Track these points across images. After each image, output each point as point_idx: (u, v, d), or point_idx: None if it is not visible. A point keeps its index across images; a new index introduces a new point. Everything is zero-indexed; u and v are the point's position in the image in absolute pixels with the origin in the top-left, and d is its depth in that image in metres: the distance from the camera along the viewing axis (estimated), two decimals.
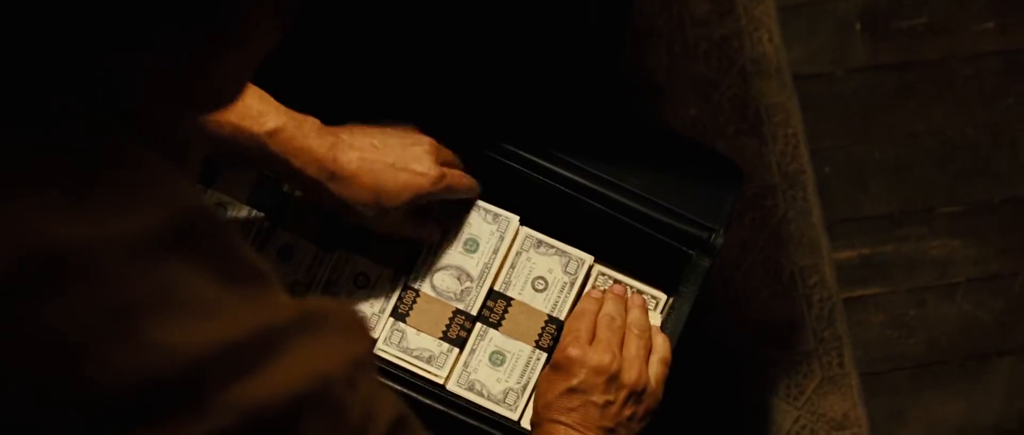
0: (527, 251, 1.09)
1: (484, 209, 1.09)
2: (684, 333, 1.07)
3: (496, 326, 1.06)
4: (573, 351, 0.99)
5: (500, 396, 1.04)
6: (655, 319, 1.07)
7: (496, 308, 1.07)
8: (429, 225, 1.06)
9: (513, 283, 1.08)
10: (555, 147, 1.11)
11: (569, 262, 1.09)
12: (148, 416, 0.52)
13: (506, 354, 1.06)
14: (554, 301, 1.07)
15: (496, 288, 1.07)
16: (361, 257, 1.08)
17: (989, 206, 1.65)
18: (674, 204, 1.11)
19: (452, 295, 1.07)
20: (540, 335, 1.06)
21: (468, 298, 1.06)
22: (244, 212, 1.08)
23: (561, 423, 0.96)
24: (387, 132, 1.02)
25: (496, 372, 1.05)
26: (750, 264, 1.59)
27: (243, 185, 1.08)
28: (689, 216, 1.10)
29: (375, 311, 1.06)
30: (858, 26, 1.71)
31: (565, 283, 1.08)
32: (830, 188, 1.65)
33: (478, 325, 1.06)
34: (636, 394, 0.98)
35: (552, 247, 1.09)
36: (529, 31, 1.19)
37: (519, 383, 1.05)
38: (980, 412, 1.59)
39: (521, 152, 1.10)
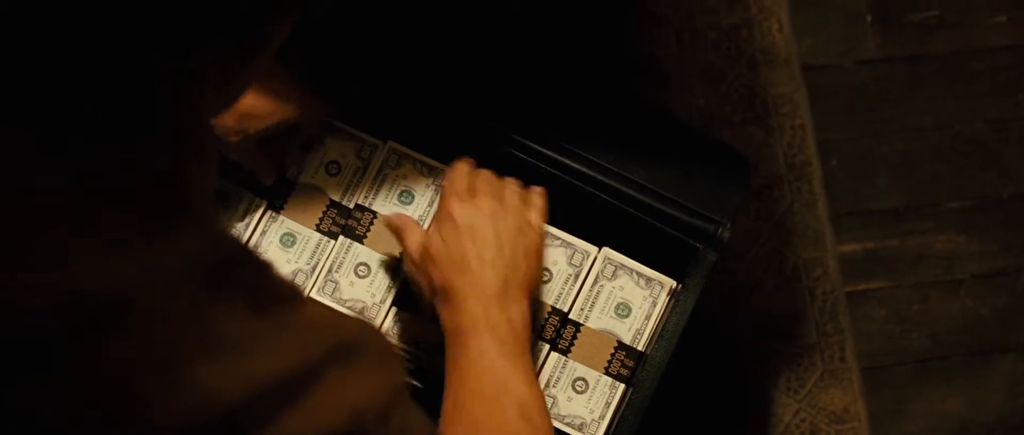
0: None
1: None
2: (687, 323, 1.07)
3: None
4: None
5: None
6: (661, 305, 1.06)
7: None
8: (265, 161, 1.05)
9: None
10: (561, 136, 1.10)
11: (574, 254, 1.08)
12: None
13: None
14: (558, 293, 1.06)
15: None
16: (362, 246, 1.07)
17: (996, 202, 1.64)
18: (681, 196, 1.10)
19: None
20: (543, 327, 1.06)
21: None
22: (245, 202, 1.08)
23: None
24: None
25: None
26: (754, 255, 1.59)
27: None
28: (696, 209, 1.10)
29: (376, 301, 1.06)
30: (869, 18, 1.69)
31: (569, 275, 1.07)
32: (836, 180, 1.64)
33: None
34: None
35: (557, 238, 1.08)
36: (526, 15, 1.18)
37: None
38: (981, 408, 1.59)
39: (527, 141, 1.09)
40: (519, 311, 0.91)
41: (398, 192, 1.07)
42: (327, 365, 0.58)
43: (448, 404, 0.86)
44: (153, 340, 0.52)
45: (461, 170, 1.00)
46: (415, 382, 1.01)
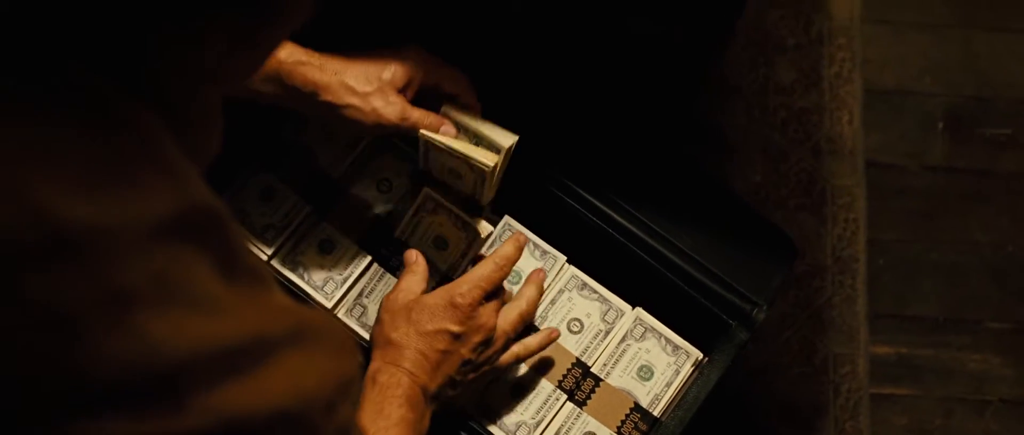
0: (570, 291, 1.08)
1: (533, 243, 1.09)
2: (706, 397, 1.06)
3: (524, 359, 1.06)
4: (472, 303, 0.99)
5: (512, 427, 1.04)
6: (684, 374, 1.06)
7: None
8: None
9: (550, 319, 1.07)
10: (613, 190, 1.11)
11: (609, 310, 1.08)
12: (126, 406, 0.51)
13: (527, 387, 1.05)
14: (586, 346, 1.06)
15: (533, 321, 1.07)
16: (394, 278, 1.08)
17: None
18: (722, 270, 1.10)
19: None
20: (564, 376, 1.06)
21: None
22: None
23: (406, 369, 0.96)
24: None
25: (514, 402, 1.05)
26: (785, 338, 1.58)
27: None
28: (735, 285, 1.09)
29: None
30: (941, 125, 1.69)
31: (601, 330, 1.07)
32: (880, 280, 1.62)
33: None
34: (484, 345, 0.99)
35: (595, 292, 1.08)
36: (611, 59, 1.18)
37: (534, 418, 1.04)
38: None
39: (580, 189, 1.09)
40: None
41: (433, 237, 1.08)
42: (283, 344, 0.57)
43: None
44: (105, 281, 0.51)
45: (480, 283, 1.00)
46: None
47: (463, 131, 1.02)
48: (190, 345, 0.52)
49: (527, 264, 1.08)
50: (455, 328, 0.97)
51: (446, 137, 1.01)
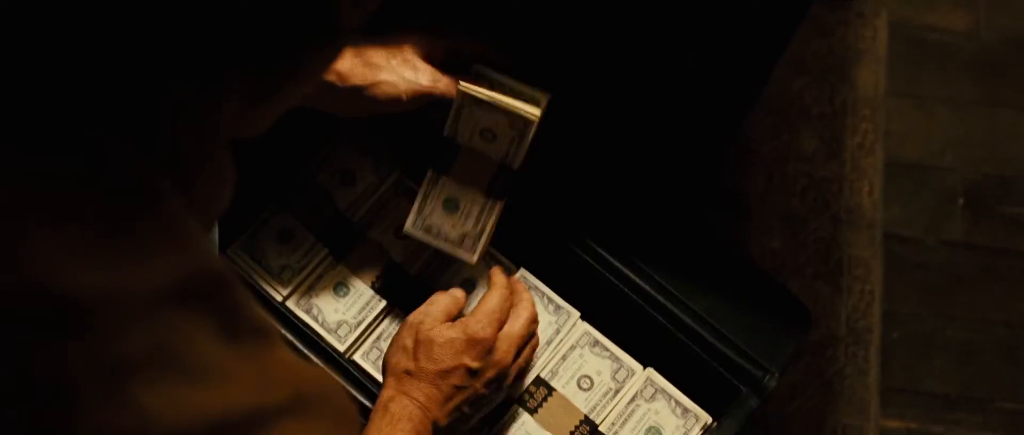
0: (581, 347, 1.08)
1: (547, 298, 1.09)
2: None
3: (532, 412, 1.05)
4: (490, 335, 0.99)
5: None
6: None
7: (537, 394, 1.06)
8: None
9: (560, 374, 1.07)
10: (630, 249, 1.11)
11: (619, 369, 1.07)
12: None
13: None
14: (595, 404, 1.06)
15: (542, 375, 1.07)
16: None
17: None
18: (735, 335, 1.10)
19: None
20: (572, 433, 1.05)
21: None
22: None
23: (419, 402, 0.96)
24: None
25: None
26: (795, 409, 1.57)
27: None
28: (748, 351, 1.09)
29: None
30: (961, 201, 1.68)
31: (610, 389, 1.07)
32: (894, 354, 1.61)
33: (515, 406, 1.06)
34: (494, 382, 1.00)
35: (607, 350, 1.08)
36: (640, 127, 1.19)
37: None
38: None
39: (596, 246, 1.10)
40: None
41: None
42: (281, 414, 0.56)
43: None
44: (103, 351, 0.50)
45: (494, 314, 1.00)
46: None
47: (498, 87, 1.00)
48: (184, 417, 0.52)
49: (541, 318, 1.08)
50: (473, 364, 0.97)
51: (486, 90, 0.98)
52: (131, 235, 0.52)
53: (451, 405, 0.96)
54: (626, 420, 1.06)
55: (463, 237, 1.03)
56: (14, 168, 0.51)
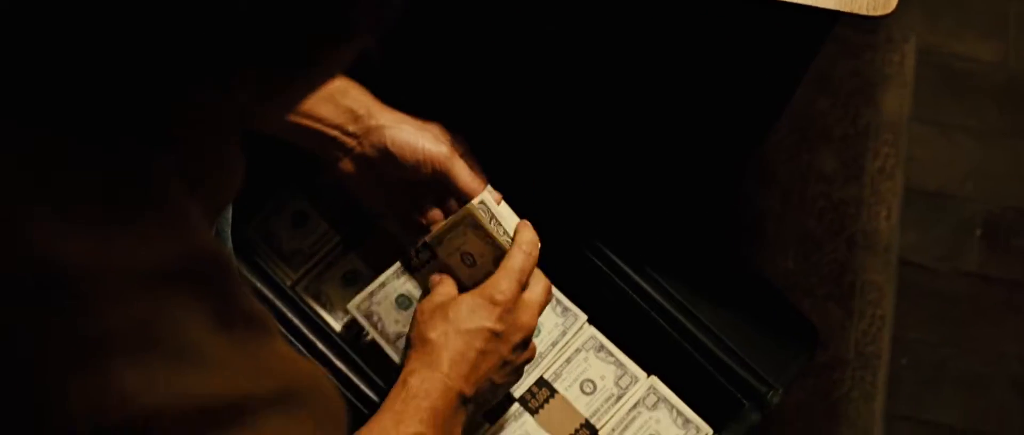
0: (586, 351, 1.08)
1: (556, 299, 1.09)
2: None
3: (533, 413, 1.05)
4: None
5: None
6: None
7: (539, 395, 1.06)
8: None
9: (563, 377, 1.07)
10: (642, 257, 1.11)
11: (623, 375, 1.07)
12: None
13: None
14: (596, 408, 1.06)
15: (546, 376, 1.07)
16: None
17: None
18: (742, 349, 1.10)
19: None
20: None
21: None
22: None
23: (442, 372, 0.92)
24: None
25: None
26: (799, 429, 1.56)
27: None
28: (753, 366, 1.09)
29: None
30: (978, 232, 1.68)
31: (613, 395, 1.07)
32: (901, 381, 1.61)
33: (516, 405, 1.06)
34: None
35: (611, 356, 1.08)
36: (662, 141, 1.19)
37: None
38: None
39: (608, 251, 1.09)
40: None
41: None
42: (266, 408, 0.56)
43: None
44: (87, 324, 0.51)
45: (516, 275, 0.96)
46: None
47: (493, 221, 1.00)
48: (166, 397, 0.52)
49: (548, 319, 1.08)
50: (496, 326, 0.93)
51: (487, 222, 0.99)
52: (130, 217, 0.53)
53: (479, 373, 0.92)
54: (626, 427, 1.06)
55: (399, 336, 1.02)
56: (28, 151, 0.52)
